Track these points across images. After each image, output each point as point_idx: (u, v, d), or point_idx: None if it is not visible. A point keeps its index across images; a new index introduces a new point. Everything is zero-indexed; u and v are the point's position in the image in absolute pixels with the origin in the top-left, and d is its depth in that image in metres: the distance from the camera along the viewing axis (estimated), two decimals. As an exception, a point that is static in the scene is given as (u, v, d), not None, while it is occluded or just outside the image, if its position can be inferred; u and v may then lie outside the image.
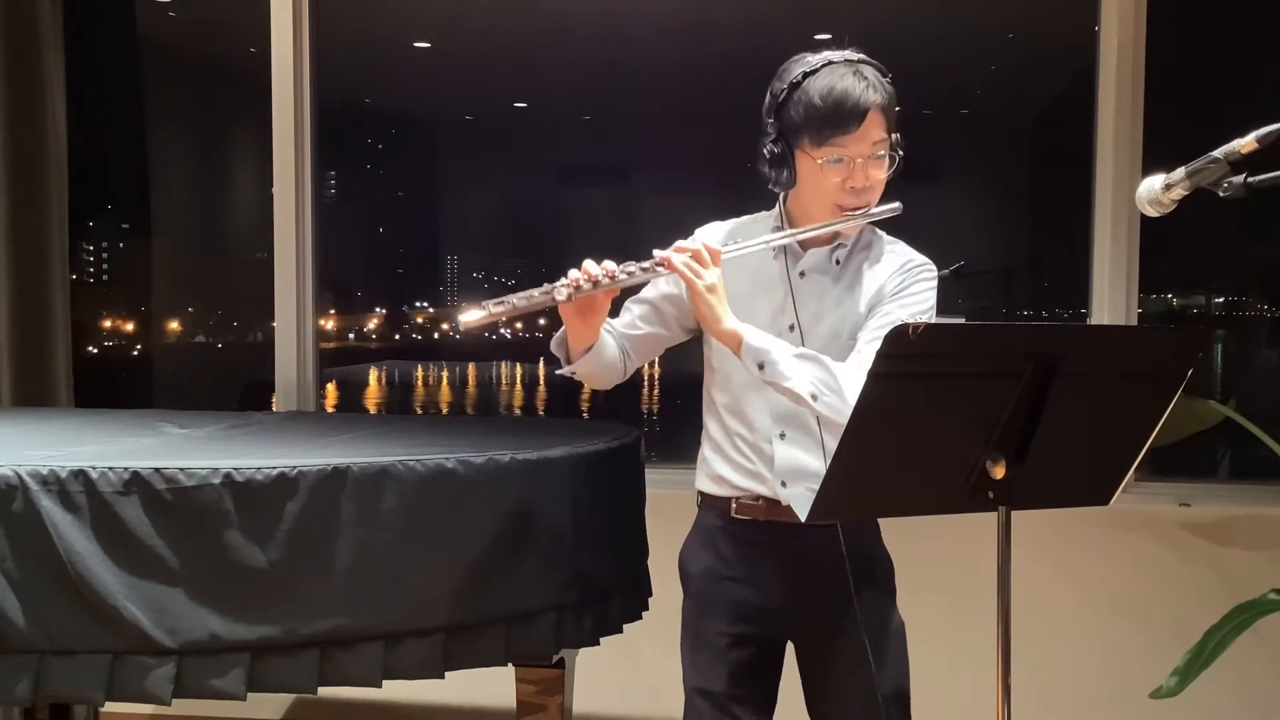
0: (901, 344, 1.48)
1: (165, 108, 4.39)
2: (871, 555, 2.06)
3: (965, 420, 1.59)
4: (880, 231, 2.05)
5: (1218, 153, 1.59)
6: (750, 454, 1.99)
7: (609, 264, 1.89)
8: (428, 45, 4.30)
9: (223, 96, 4.41)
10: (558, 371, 2.01)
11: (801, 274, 1.99)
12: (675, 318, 2.07)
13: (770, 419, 1.98)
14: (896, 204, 1.94)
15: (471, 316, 1.84)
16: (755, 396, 1.98)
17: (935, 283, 2.01)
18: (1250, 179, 1.57)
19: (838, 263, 2.00)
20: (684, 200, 4.17)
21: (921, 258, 2.03)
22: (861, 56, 1.92)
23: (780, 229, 2.00)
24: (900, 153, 1.92)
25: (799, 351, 1.87)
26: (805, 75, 1.89)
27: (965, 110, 4.03)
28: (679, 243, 1.91)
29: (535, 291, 1.85)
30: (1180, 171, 1.62)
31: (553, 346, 2.02)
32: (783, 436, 1.97)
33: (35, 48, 3.55)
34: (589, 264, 1.88)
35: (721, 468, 2.03)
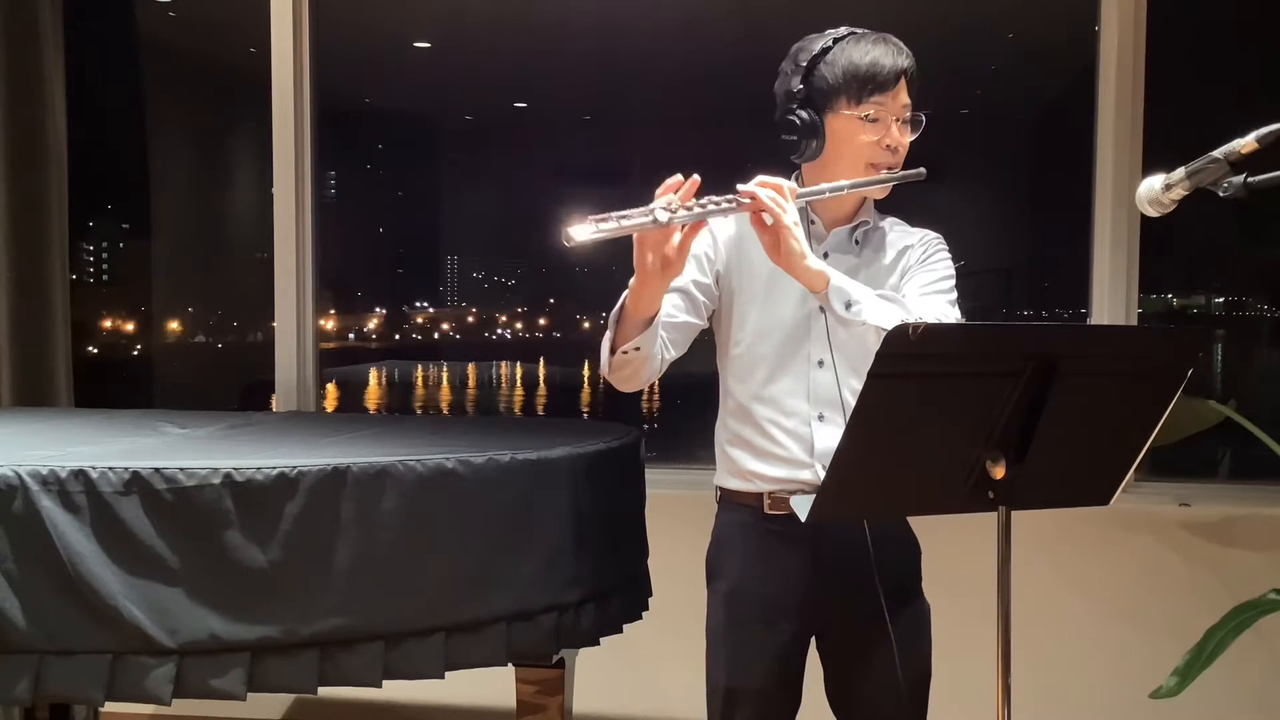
0: (901, 344, 1.48)
1: (165, 108, 4.39)
2: (901, 542, 2.08)
3: (965, 420, 1.59)
4: (888, 215, 2.11)
5: (1218, 153, 1.59)
6: (787, 440, 1.98)
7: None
8: (428, 45, 4.30)
9: (223, 96, 4.41)
10: (621, 351, 1.89)
11: (825, 255, 2.00)
12: (704, 304, 2.05)
13: (808, 402, 1.98)
14: (921, 169, 1.99)
15: (579, 231, 1.70)
16: (790, 380, 1.99)
17: (948, 252, 2.08)
18: (1250, 179, 1.57)
19: (857, 242, 2.04)
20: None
21: (933, 232, 2.10)
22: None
23: (803, 205, 1.99)
24: (925, 115, 1.98)
25: (880, 293, 1.89)
26: (835, 41, 1.96)
27: (965, 110, 4.03)
28: (761, 176, 1.85)
29: (634, 212, 1.75)
30: (1180, 171, 1.62)
31: (605, 337, 1.92)
32: (821, 418, 1.97)
33: (35, 47, 3.54)
34: (672, 184, 1.79)
35: (752, 463, 2.01)
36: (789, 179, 2.03)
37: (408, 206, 4.88)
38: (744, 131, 3.80)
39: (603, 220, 1.73)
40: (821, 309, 1.95)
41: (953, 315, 1.98)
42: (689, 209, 1.78)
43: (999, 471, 1.61)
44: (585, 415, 4.74)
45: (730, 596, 2.06)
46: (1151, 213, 1.68)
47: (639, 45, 4.01)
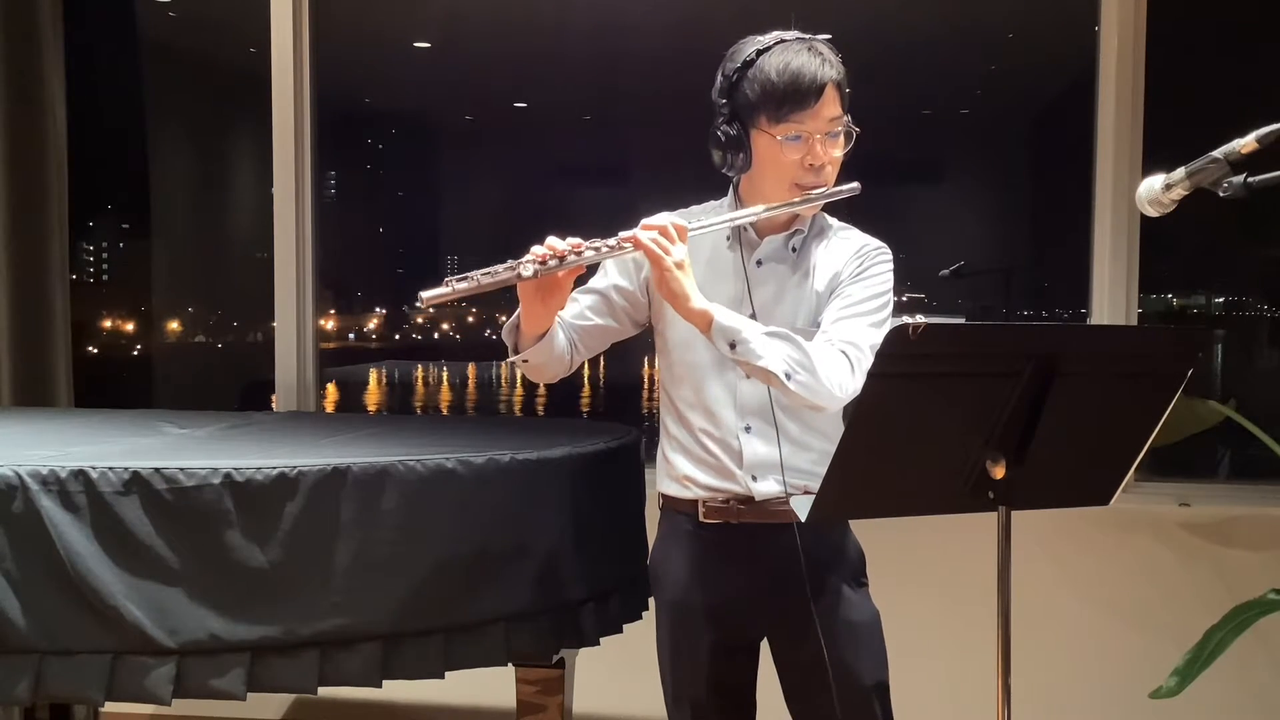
0: (901, 344, 1.48)
1: (165, 108, 4.39)
2: (841, 547, 2.04)
3: (965, 420, 1.59)
4: (831, 218, 2.04)
5: (1218, 153, 1.59)
6: (718, 450, 1.96)
7: (574, 239, 1.84)
8: (428, 45, 4.30)
9: (223, 96, 4.41)
10: (508, 359, 1.95)
11: (759, 263, 1.98)
12: (625, 309, 2.04)
13: (735, 413, 1.96)
14: (855, 184, 1.93)
15: (434, 292, 1.77)
16: (720, 390, 1.96)
17: (891, 265, 1.99)
18: (1250, 179, 1.57)
19: (794, 250, 1.99)
20: (684, 200, 4.16)
21: (876, 241, 2.02)
22: (813, 36, 1.92)
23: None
24: (856, 129, 1.91)
25: (770, 330, 1.83)
26: (759, 53, 1.88)
27: (965, 110, 4.03)
28: (645, 220, 1.87)
29: (499, 267, 1.80)
30: (1180, 171, 1.62)
31: (504, 333, 1.97)
32: (748, 430, 1.95)
33: (35, 48, 3.54)
34: (553, 239, 1.84)
35: (687, 468, 2.00)
36: (728, 194, 2.02)
37: (408, 206, 4.88)
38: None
39: (461, 279, 1.78)
40: (751, 316, 1.93)
41: (869, 338, 1.87)
42: (562, 259, 1.81)
43: (999, 471, 1.61)
44: (585, 415, 4.73)
45: (672, 607, 2.05)
46: (1151, 213, 1.68)
47: (639, 45, 4.01)
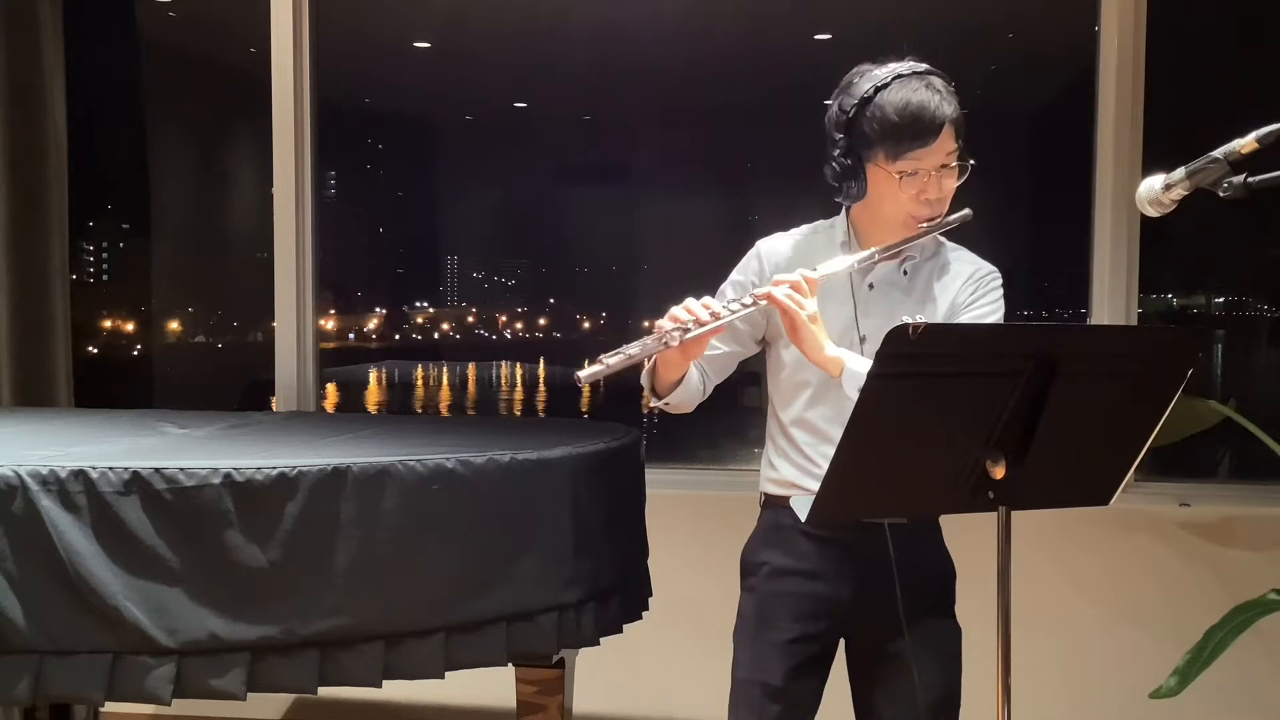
0: (901, 344, 1.48)
1: (165, 108, 4.39)
2: (936, 561, 2.08)
3: (965, 420, 1.59)
4: (943, 239, 2.07)
5: (1218, 153, 1.59)
6: (824, 462, 1.97)
7: (710, 302, 1.90)
8: (428, 45, 4.31)
9: (223, 96, 4.41)
10: (652, 404, 2.02)
11: (870, 286, 2.01)
12: (748, 333, 2.08)
13: (842, 430, 1.98)
14: (967, 211, 1.98)
15: (589, 371, 1.83)
16: (828, 408, 2.00)
17: (1002, 289, 2.05)
18: (1250, 179, 1.57)
19: (905, 274, 2.03)
20: (683, 201, 4.17)
21: (988, 265, 2.08)
22: (926, 66, 1.95)
23: (847, 242, 2.03)
24: (971, 161, 1.96)
25: None
26: (877, 89, 1.91)
27: (965, 110, 4.02)
28: (778, 275, 1.91)
29: (649, 340, 1.87)
30: (1180, 171, 1.62)
31: (643, 379, 2.04)
32: None
33: (35, 48, 3.55)
34: (692, 304, 1.89)
35: (793, 475, 2.04)
36: (839, 215, 2.05)
37: (408, 206, 4.88)
38: (743, 131, 3.80)
39: (613, 355, 1.84)
40: (862, 340, 1.98)
41: None
42: (702, 325, 1.87)
43: (999, 471, 1.61)
44: (585, 415, 4.74)
45: (763, 595, 2.07)
46: (1151, 213, 1.68)
47: (639, 45, 4.01)
